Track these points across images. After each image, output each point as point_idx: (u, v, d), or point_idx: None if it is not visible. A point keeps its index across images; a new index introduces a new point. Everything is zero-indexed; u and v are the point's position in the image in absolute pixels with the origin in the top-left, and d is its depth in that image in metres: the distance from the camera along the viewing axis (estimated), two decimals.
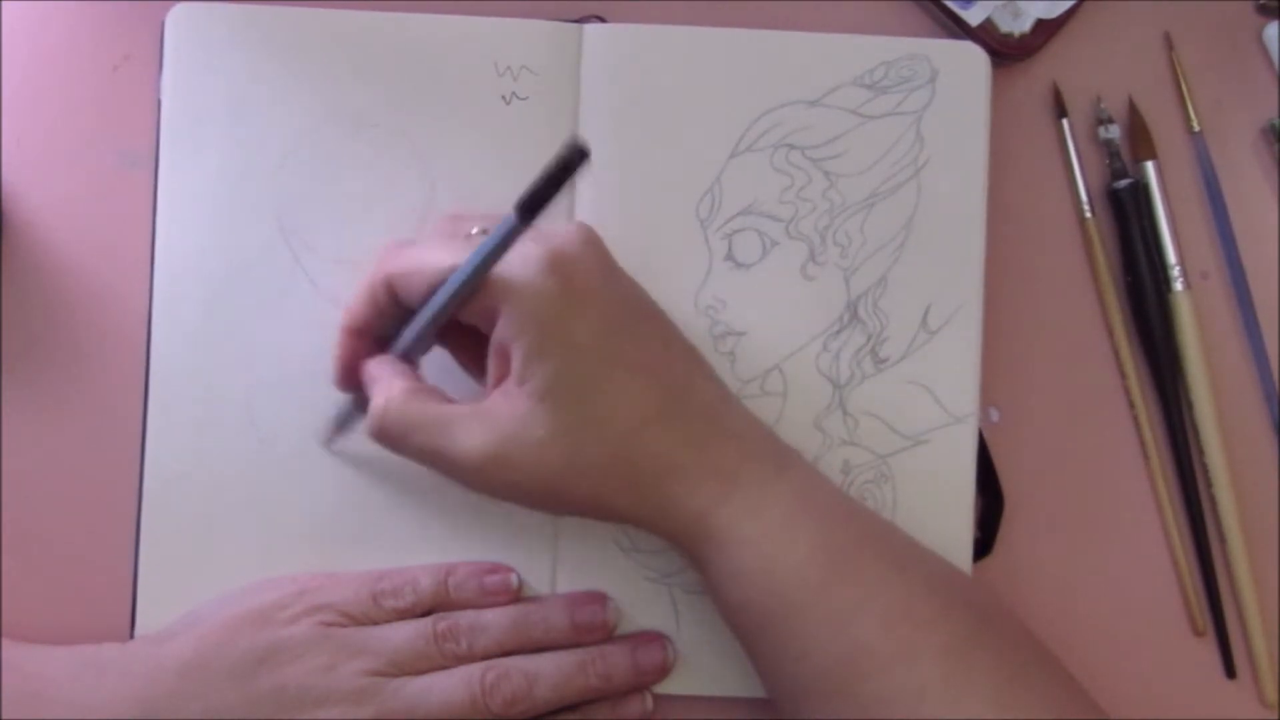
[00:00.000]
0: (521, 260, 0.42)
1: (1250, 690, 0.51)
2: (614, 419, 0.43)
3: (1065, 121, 0.53)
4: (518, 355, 0.42)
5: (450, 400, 0.45)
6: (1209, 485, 0.52)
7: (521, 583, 0.49)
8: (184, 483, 0.49)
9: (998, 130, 0.51)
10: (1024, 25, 0.52)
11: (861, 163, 0.50)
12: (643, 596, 0.49)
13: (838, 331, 0.50)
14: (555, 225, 0.44)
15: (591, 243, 0.44)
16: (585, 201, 0.50)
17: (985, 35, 0.51)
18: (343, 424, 0.49)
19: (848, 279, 0.50)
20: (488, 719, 0.45)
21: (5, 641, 0.47)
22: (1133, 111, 0.53)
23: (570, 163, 0.37)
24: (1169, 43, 0.53)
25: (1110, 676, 0.50)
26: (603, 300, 0.43)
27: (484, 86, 0.50)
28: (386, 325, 0.46)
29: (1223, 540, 0.51)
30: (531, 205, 0.39)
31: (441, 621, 0.47)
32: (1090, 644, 0.51)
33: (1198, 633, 0.51)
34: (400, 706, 0.45)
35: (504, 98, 0.50)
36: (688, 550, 0.44)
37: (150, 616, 0.48)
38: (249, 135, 0.50)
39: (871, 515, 0.46)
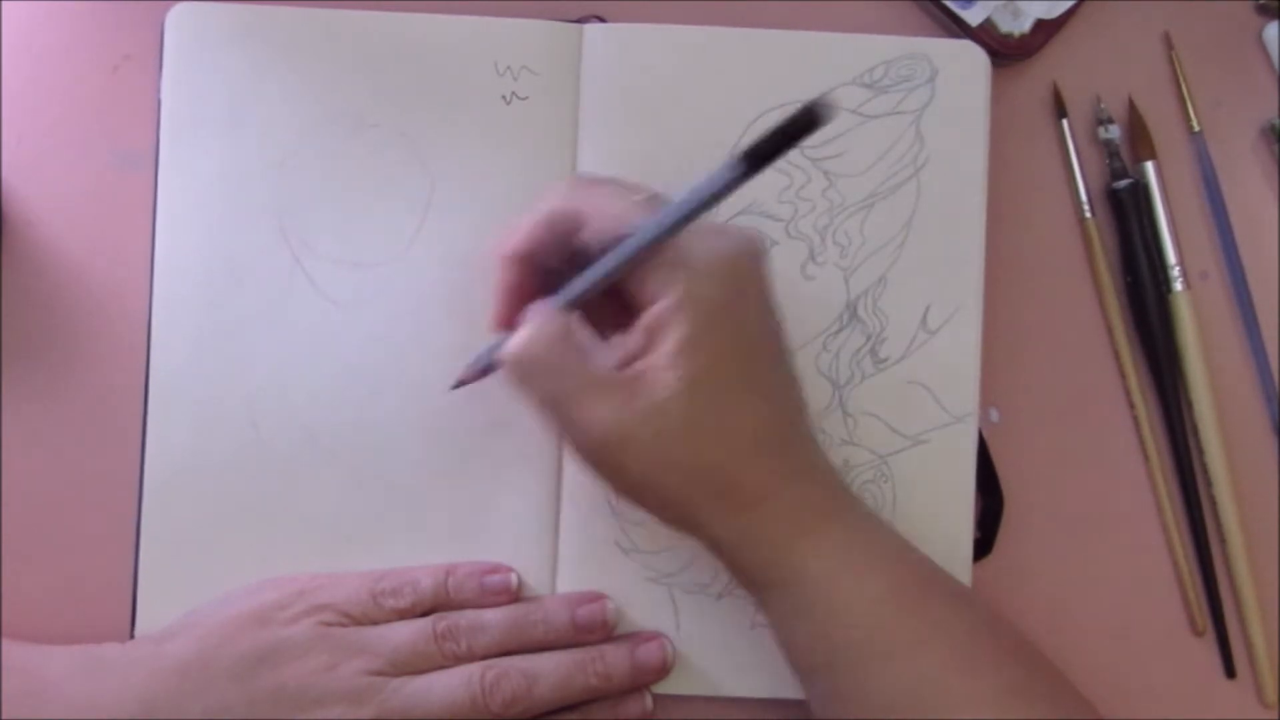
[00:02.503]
0: (700, 247, 0.41)
1: (1250, 690, 0.51)
2: (741, 433, 0.42)
3: (1065, 121, 0.53)
4: (676, 336, 0.41)
5: (599, 353, 0.43)
6: (1209, 485, 0.52)
7: (521, 583, 0.49)
8: (184, 483, 0.49)
9: (998, 130, 0.51)
10: (1024, 25, 0.52)
11: (861, 162, 0.50)
12: (643, 596, 0.49)
13: (837, 331, 0.50)
14: (729, 224, 0.43)
15: (762, 254, 0.43)
16: None
17: (985, 35, 0.51)
18: (486, 368, 0.46)
19: (847, 279, 0.50)
20: (487, 718, 0.45)
21: (5, 641, 0.47)
22: (1133, 111, 0.53)
23: (808, 122, 0.34)
24: (1169, 43, 0.53)
25: (1110, 676, 0.50)
26: (759, 317, 0.42)
27: (484, 86, 0.50)
28: (550, 259, 0.44)
29: (1223, 540, 0.51)
30: (759, 156, 0.35)
31: (441, 621, 0.47)
32: (1090, 644, 0.51)
33: (1198, 633, 0.51)
34: (400, 706, 0.45)
35: (504, 98, 0.50)
36: (754, 580, 0.43)
37: (150, 616, 0.48)
38: (249, 135, 0.50)
39: (924, 556, 0.45)
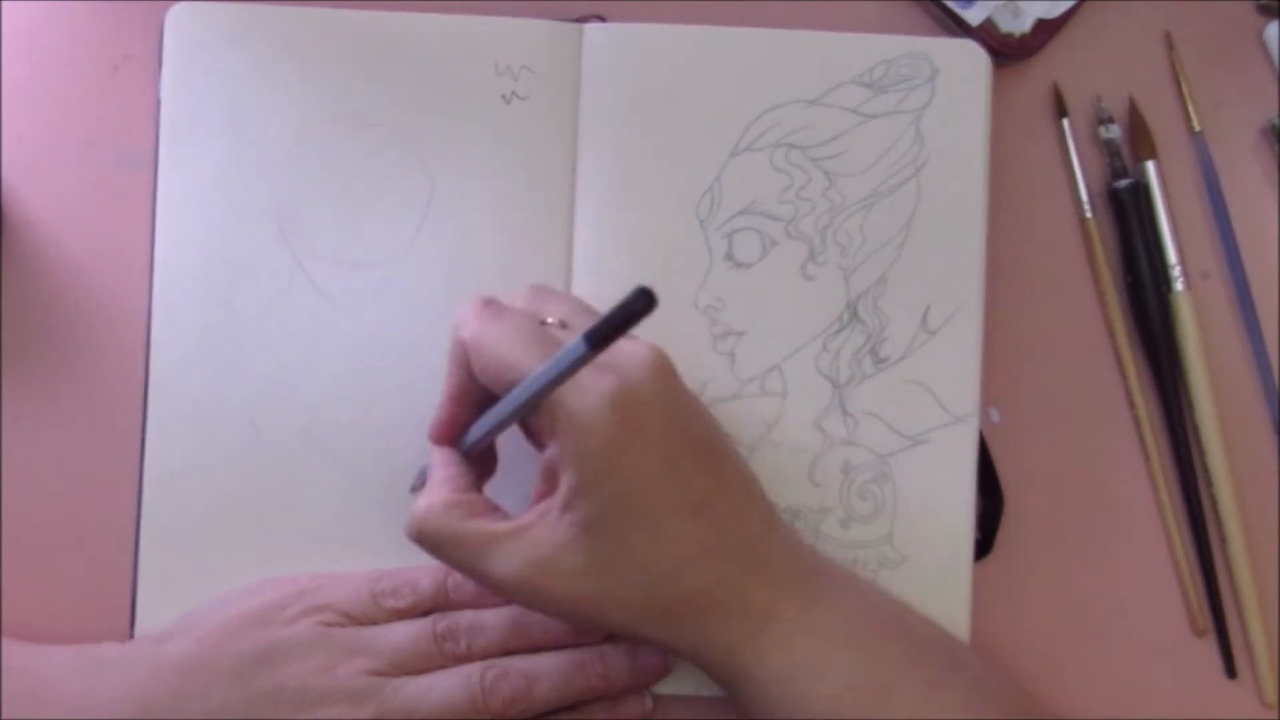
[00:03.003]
0: (583, 391, 0.41)
1: (1250, 690, 0.51)
2: (654, 560, 0.42)
3: (1065, 121, 0.53)
4: (566, 484, 0.42)
5: (493, 511, 0.44)
6: (1209, 485, 0.51)
7: None
8: (184, 483, 0.49)
9: (998, 130, 0.51)
10: (1024, 25, 0.52)
11: (861, 162, 0.50)
12: None
13: (838, 331, 0.50)
14: (627, 346, 0.43)
15: (660, 373, 0.43)
16: (586, 202, 0.50)
17: (985, 35, 0.51)
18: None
19: (847, 278, 0.50)
20: (487, 719, 0.45)
21: (5, 641, 0.47)
22: (1133, 111, 0.53)
23: (639, 309, 0.36)
24: (1169, 43, 0.53)
25: (1110, 676, 0.50)
26: (660, 438, 0.42)
27: (484, 86, 0.50)
28: (482, 393, 0.45)
29: (1223, 540, 0.51)
30: (600, 337, 0.37)
31: (441, 621, 0.47)
32: (1090, 644, 0.51)
33: (1198, 633, 0.51)
34: (399, 706, 0.45)
35: (504, 97, 0.50)
36: (722, 682, 0.44)
37: (150, 616, 0.48)
38: (249, 135, 0.50)
39: (911, 625, 0.46)
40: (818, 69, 0.50)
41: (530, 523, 0.43)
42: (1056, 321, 0.52)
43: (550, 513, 0.42)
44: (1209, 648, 0.51)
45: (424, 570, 0.48)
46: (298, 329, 0.49)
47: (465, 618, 0.47)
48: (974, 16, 0.52)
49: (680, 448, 0.43)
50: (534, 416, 0.43)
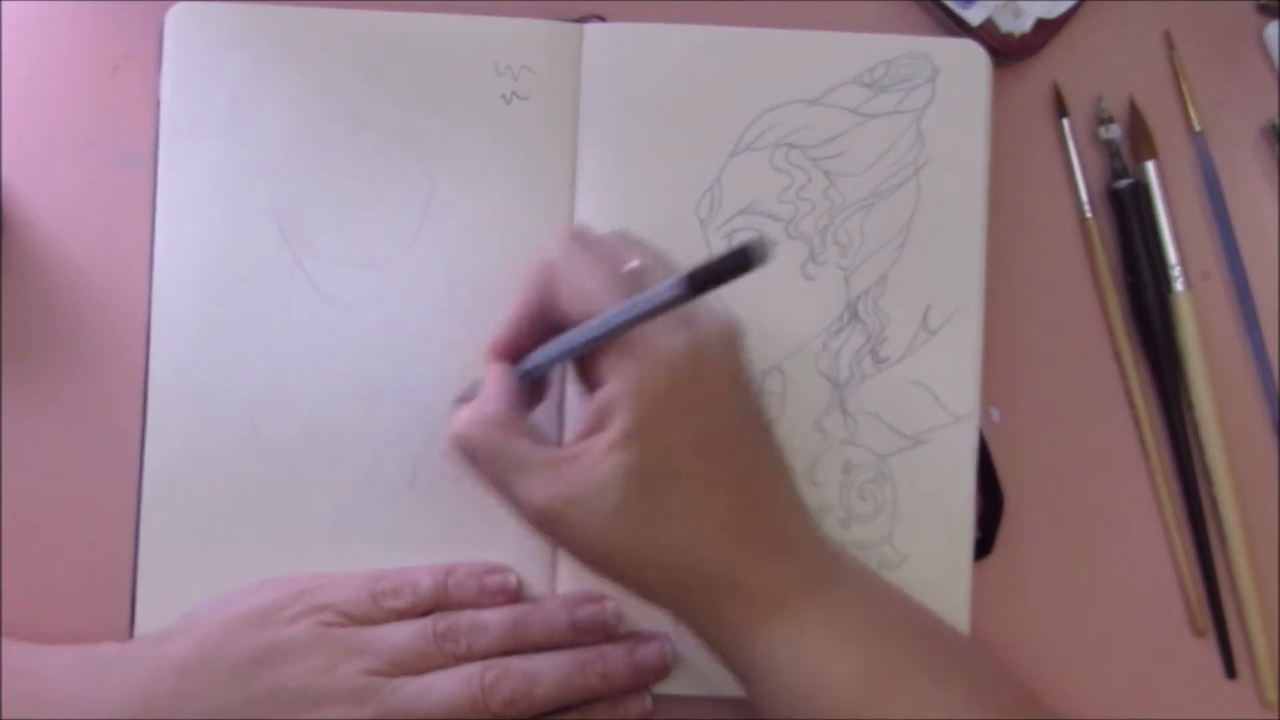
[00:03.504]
0: (664, 336, 0.41)
1: (1250, 690, 0.51)
2: (682, 523, 0.42)
3: (1065, 121, 0.53)
4: (621, 424, 0.42)
5: (539, 438, 0.44)
6: (1209, 485, 0.51)
7: (521, 583, 0.49)
8: (184, 483, 0.49)
9: (998, 130, 0.51)
10: (1024, 25, 0.52)
11: (861, 162, 0.50)
12: None
13: (837, 331, 0.50)
14: (707, 311, 0.43)
15: (731, 344, 0.43)
16: (586, 202, 0.50)
17: (986, 35, 0.51)
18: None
19: (847, 278, 0.50)
20: (487, 719, 0.45)
21: (5, 641, 0.47)
22: (1133, 111, 0.53)
23: (751, 260, 0.36)
24: (1169, 43, 0.53)
25: (1111, 677, 0.50)
26: (717, 407, 0.43)
27: (484, 86, 0.50)
28: (548, 319, 0.45)
29: (1223, 540, 0.51)
30: (703, 282, 0.37)
31: (441, 621, 0.47)
32: (1090, 644, 0.51)
33: (1198, 633, 0.51)
34: (400, 706, 0.45)
35: (504, 97, 0.50)
36: (727, 662, 0.44)
37: (150, 616, 0.48)
38: (249, 135, 0.50)
39: (917, 619, 0.46)
40: (818, 69, 0.50)
41: (574, 455, 0.42)
42: (1056, 321, 0.52)
43: (595, 449, 0.42)
44: (1209, 648, 0.51)
45: (424, 570, 0.48)
46: (298, 329, 0.49)
47: (465, 618, 0.47)
48: (974, 16, 0.52)
49: (733, 423, 0.43)
50: (599, 354, 0.42)
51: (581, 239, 0.45)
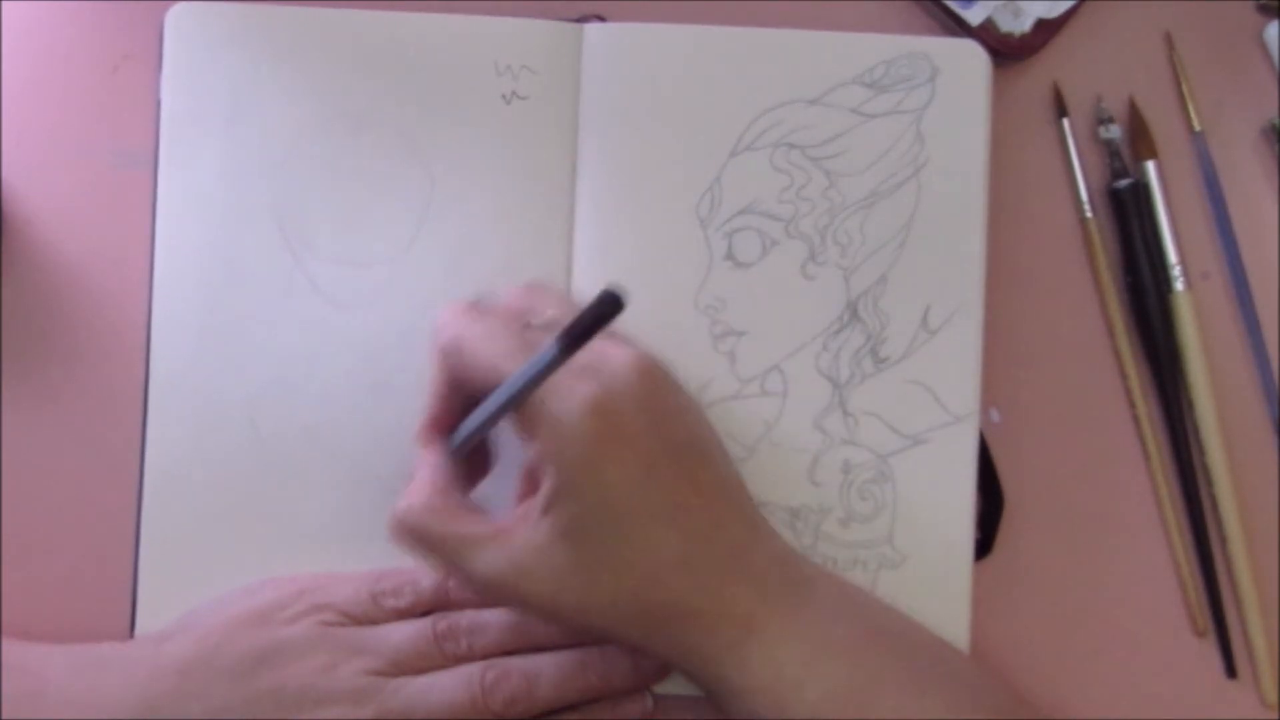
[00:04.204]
0: (564, 396, 0.42)
1: (1250, 690, 0.51)
2: (632, 566, 0.42)
3: (1065, 121, 0.53)
4: (546, 487, 0.42)
5: (474, 513, 0.44)
6: (1209, 485, 0.51)
7: None
8: (184, 483, 0.49)
9: (998, 130, 0.51)
10: (1024, 25, 0.52)
11: (861, 162, 0.50)
12: None
13: (838, 331, 0.50)
14: (613, 350, 0.43)
15: (645, 378, 0.43)
16: (585, 202, 0.50)
17: (986, 35, 0.51)
18: None
19: (847, 278, 0.50)
20: (488, 718, 0.45)
21: (5, 641, 0.47)
22: (1133, 111, 0.53)
23: (607, 311, 0.36)
24: (1169, 43, 0.53)
25: (1110, 676, 0.50)
26: (641, 445, 0.42)
27: (484, 86, 0.50)
28: (462, 394, 0.45)
29: (1223, 540, 0.51)
30: (570, 341, 0.37)
31: (441, 621, 0.47)
32: (1090, 644, 0.51)
33: (1198, 633, 0.51)
34: (400, 706, 0.45)
35: (504, 97, 0.50)
36: (704, 689, 0.44)
37: (150, 616, 0.48)
38: (249, 135, 0.50)
39: (894, 630, 0.46)
40: (818, 69, 0.50)
41: (510, 526, 0.43)
42: (1056, 321, 0.52)
43: (530, 515, 0.43)
44: (1209, 648, 0.51)
45: (424, 570, 0.48)
46: (298, 329, 0.49)
47: (465, 618, 0.47)
48: (974, 16, 0.52)
49: (661, 454, 0.43)
50: (519, 416, 0.43)
51: (478, 307, 0.45)
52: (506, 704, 0.45)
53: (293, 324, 0.49)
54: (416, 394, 0.49)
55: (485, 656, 0.46)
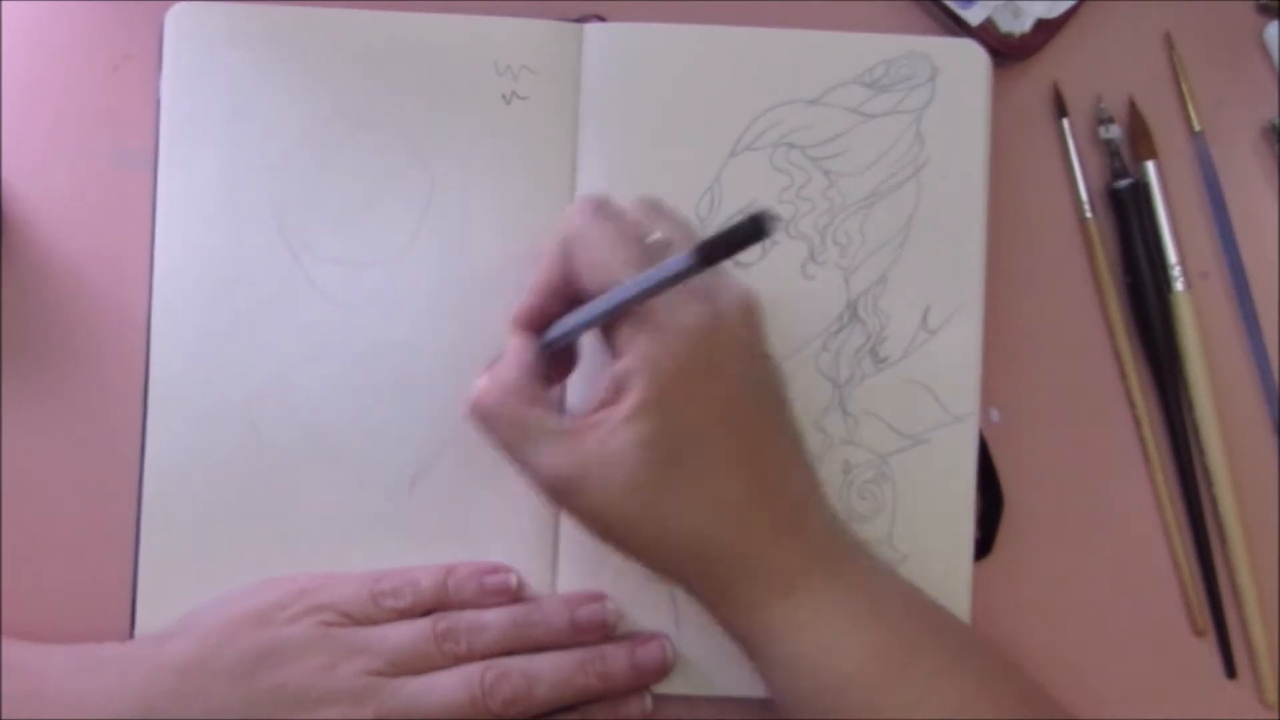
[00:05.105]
0: (676, 311, 0.42)
1: (1250, 690, 0.51)
2: (695, 500, 0.42)
3: (1065, 121, 0.53)
4: (635, 396, 0.42)
5: (553, 407, 0.44)
6: (1209, 485, 0.52)
7: (521, 583, 0.49)
8: (184, 483, 0.49)
9: (998, 130, 0.51)
10: (1024, 25, 0.52)
11: (861, 162, 0.50)
12: (643, 596, 0.49)
13: (837, 331, 0.50)
14: (725, 281, 0.43)
15: (750, 317, 0.44)
16: None
17: (985, 35, 0.51)
18: None
19: (847, 278, 0.50)
20: (487, 719, 0.45)
21: (5, 641, 0.47)
22: (1133, 111, 0.53)
23: (761, 230, 0.36)
24: (1169, 43, 0.53)
25: (1110, 676, 0.50)
26: (733, 382, 0.43)
27: (484, 86, 0.50)
28: (571, 289, 0.45)
29: (1223, 540, 0.51)
30: (712, 253, 0.37)
31: (441, 621, 0.47)
32: (1090, 644, 0.51)
33: (1198, 633, 0.51)
34: (400, 706, 0.45)
35: (504, 97, 0.50)
36: (740, 639, 0.44)
37: (150, 616, 0.48)
38: (249, 135, 0.50)
39: (926, 608, 0.45)
40: (818, 69, 0.50)
41: (590, 426, 0.43)
42: (1056, 321, 0.52)
43: (608, 422, 0.42)
44: (1209, 648, 0.51)
45: (424, 570, 0.48)
46: (298, 329, 0.49)
47: (465, 618, 0.47)
48: (974, 16, 0.52)
49: (747, 396, 0.43)
50: (619, 325, 0.42)
51: (604, 210, 0.45)
52: (506, 704, 0.45)
53: (293, 324, 0.49)
54: (416, 393, 0.49)
55: (485, 656, 0.46)
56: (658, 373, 0.42)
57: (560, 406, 0.46)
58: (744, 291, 0.44)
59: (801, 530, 0.44)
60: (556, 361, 0.47)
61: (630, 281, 0.41)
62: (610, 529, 0.43)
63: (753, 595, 0.43)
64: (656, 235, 0.45)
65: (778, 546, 0.43)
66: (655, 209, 0.47)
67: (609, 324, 0.43)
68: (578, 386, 0.49)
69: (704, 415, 0.42)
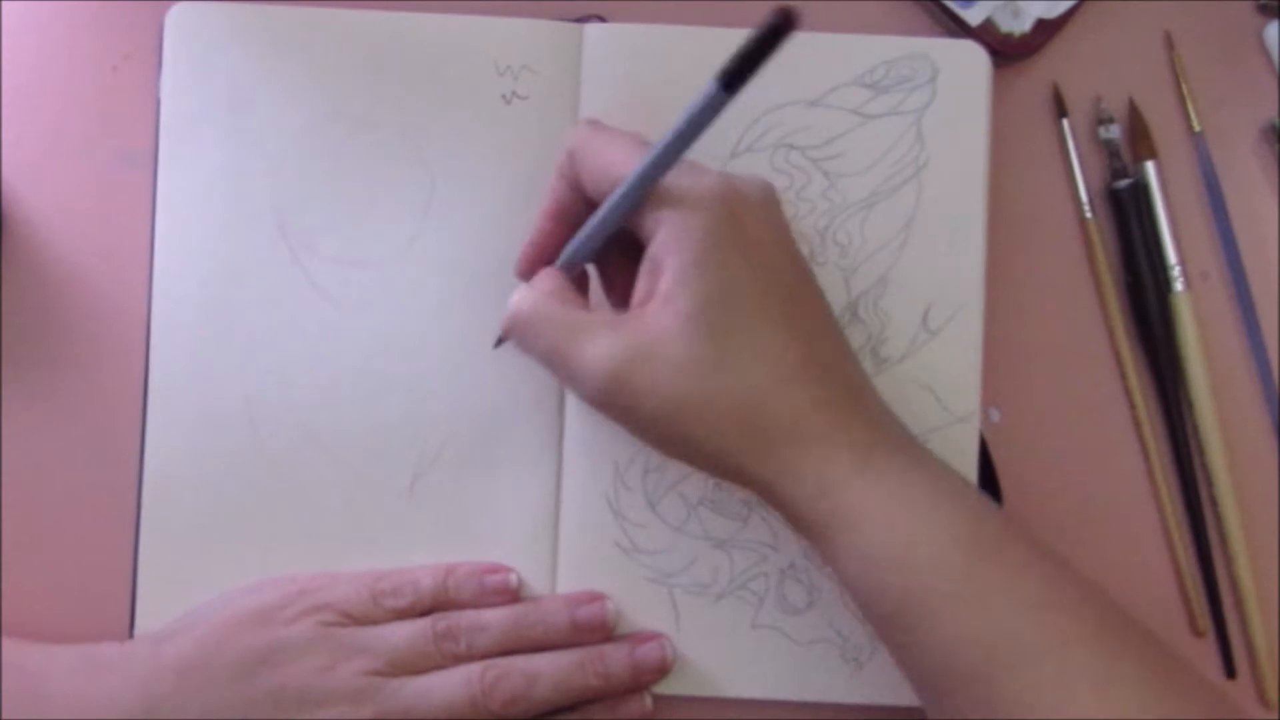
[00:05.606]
0: (695, 176, 0.41)
1: (1250, 690, 0.51)
2: (754, 364, 0.40)
3: (1065, 121, 0.53)
4: (670, 271, 0.40)
5: (592, 307, 0.43)
6: (1209, 485, 0.52)
7: (521, 582, 0.49)
8: (184, 483, 0.49)
9: (998, 130, 0.51)
10: (1024, 25, 0.52)
11: (861, 162, 0.50)
12: (643, 596, 0.49)
13: None
14: (737, 173, 0.43)
15: (767, 193, 0.43)
16: None
17: (985, 35, 0.51)
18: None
19: (848, 279, 0.50)
20: (487, 718, 0.45)
21: (5, 640, 0.47)
22: (1133, 111, 0.53)
23: (780, 28, 0.32)
24: (1169, 43, 0.53)
25: None
26: (767, 247, 0.41)
27: (484, 86, 0.50)
28: (582, 213, 0.44)
29: (1223, 540, 0.51)
30: (736, 74, 0.33)
31: (441, 621, 0.47)
32: None
33: (1198, 633, 0.51)
34: (400, 706, 0.45)
35: (504, 97, 0.50)
36: (808, 524, 0.41)
37: (150, 616, 0.49)
38: (249, 135, 0.50)
39: (989, 499, 0.44)
40: (818, 70, 0.50)
41: (631, 315, 0.41)
42: (1056, 321, 0.52)
43: (651, 304, 0.41)
44: (1209, 648, 0.51)
45: (424, 570, 0.48)
46: (298, 329, 0.49)
47: (465, 617, 0.47)
48: (974, 16, 0.52)
49: (783, 262, 0.42)
50: (640, 217, 0.41)
51: (600, 124, 0.45)
52: (506, 704, 0.45)
53: (292, 324, 0.49)
54: (416, 393, 0.49)
55: (485, 656, 0.47)
56: (688, 241, 0.40)
57: (596, 305, 0.44)
58: (758, 178, 0.43)
59: (861, 406, 0.42)
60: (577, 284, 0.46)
61: (654, 147, 0.40)
62: (670, 414, 0.40)
63: (826, 474, 0.40)
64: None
65: (845, 416, 0.41)
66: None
67: (634, 218, 0.42)
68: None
69: (742, 277, 0.41)
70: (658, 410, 0.41)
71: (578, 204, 0.44)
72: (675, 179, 0.41)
